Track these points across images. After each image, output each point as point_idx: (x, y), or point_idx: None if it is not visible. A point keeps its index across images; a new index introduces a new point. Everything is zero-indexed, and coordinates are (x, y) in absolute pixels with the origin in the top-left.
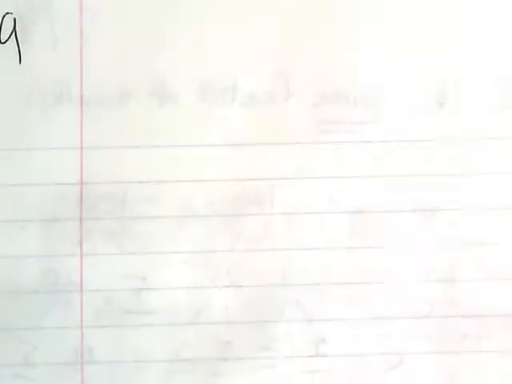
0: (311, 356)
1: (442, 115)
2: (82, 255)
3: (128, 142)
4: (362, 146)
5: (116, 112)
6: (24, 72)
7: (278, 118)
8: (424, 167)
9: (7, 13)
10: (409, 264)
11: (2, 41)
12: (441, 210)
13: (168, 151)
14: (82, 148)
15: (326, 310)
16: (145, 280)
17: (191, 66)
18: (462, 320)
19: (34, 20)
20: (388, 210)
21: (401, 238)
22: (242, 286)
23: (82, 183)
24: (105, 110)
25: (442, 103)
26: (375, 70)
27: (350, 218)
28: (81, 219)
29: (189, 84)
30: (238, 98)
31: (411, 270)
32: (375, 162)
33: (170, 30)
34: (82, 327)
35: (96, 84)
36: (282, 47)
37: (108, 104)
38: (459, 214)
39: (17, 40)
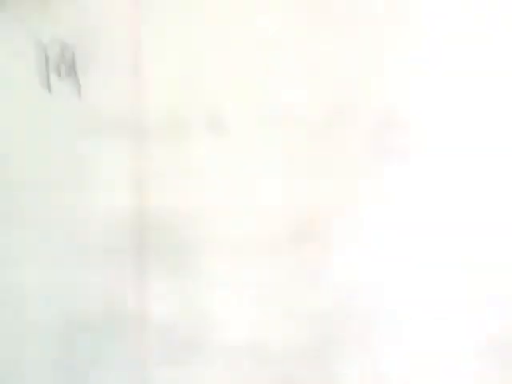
0: None
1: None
2: (142, 290)
3: (186, 172)
4: (423, 174)
5: (174, 143)
6: (84, 104)
7: (336, 148)
8: (477, 197)
9: (66, 44)
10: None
11: (61, 74)
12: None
13: (226, 182)
14: (140, 180)
15: (387, 347)
16: (206, 315)
17: (247, 99)
18: None
19: (92, 52)
20: (454, 235)
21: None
22: (303, 322)
23: (141, 215)
24: (163, 141)
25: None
26: (430, 100)
27: (415, 246)
28: (140, 252)
29: (246, 113)
30: (295, 127)
31: (476, 301)
32: (434, 191)
33: (226, 65)
34: (142, 361)
35: (153, 117)
36: (337, 77)
37: (166, 136)
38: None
39: (75, 72)
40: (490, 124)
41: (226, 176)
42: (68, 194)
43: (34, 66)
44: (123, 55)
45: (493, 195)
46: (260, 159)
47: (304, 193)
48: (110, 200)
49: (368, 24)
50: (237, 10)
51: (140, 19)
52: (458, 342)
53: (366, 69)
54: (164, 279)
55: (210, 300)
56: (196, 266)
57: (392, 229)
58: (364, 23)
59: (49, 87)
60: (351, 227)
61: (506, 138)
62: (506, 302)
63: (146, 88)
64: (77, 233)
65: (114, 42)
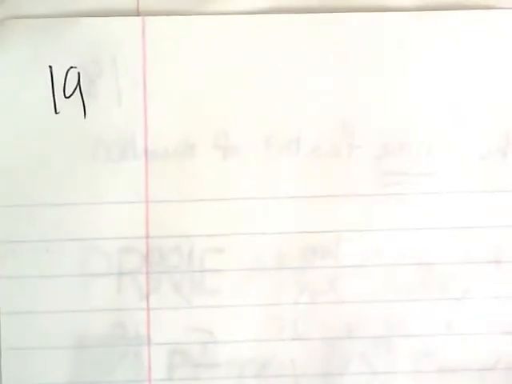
0: None
1: (506, 165)
2: (148, 309)
3: (193, 194)
4: (426, 197)
5: (181, 165)
6: (89, 126)
7: (342, 170)
8: (488, 218)
9: (71, 67)
10: (475, 316)
11: (67, 95)
12: (504, 262)
13: (233, 204)
14: (147, 201)
15: (390, 362)
16: (212, 333)
17: (255, 119)
18: None
19: (98, 74)
20: (454, 261)
21: (465, 289)
22: (307, 339)
23: (147, 237)
24: (169, 163)
25: (506, 153)
26: (437, 121)
27: (415, 270)
28: (147, 273)
29: (253, 136)
30: (303, 150)
31: (477, 321)
32: (439, 214)
33: (233, 83)
34: (149, 380)
35: (160, 137)
36: (345, 101)
37: (173, 157)
38: None
39: (81, 94)
40: (492, 142)
41: (233, 196)
42: (74, 212)
43: (41, 87)
44: (128, 79)
45: (500, 211)
46: (267, 179)
47: (312, 213)
48: (115, 220)
49: (373, 57)
50: (244, 37)
51: (145, 44)
52: (470, 360)
53: (372, 94)
54: (170, 299)
55: (216, 318)
56: (202, 285)
57: (399, 248)
58: (370, 56)
59: (55, 108)
60: (359, 247)
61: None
62: None
63: (151, 110)
64: (83, 254)
65: (119, 65)
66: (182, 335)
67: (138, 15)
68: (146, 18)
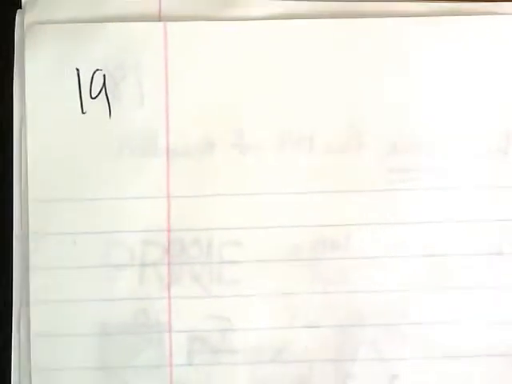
0: None
1: (506, 163)
2: (170, 298)
3: (212, 190)
4: (431, 192)
5: (200, 162)
6: (114, 125)
7: (352, 167)
8: (490, 212)
9: (97, 69)
10: (479, 305)
11: (93, 96)
12: (507, 254)
13: (250, 199)
14: (169, 197)
15: (399, 349)
16: (230, 321)
17: (270, 118)
18: None
19: (122, 76)
20: (458, 253)
21: (470, 279)
22: (319, 327)
23: (169, 230)
24: (190, 160)
25: (507, 152)
26: (441, 121)
27: (422, 262)
28: (168, 264)
29: (268, 135)
30: (315, 148)
31: (481, 310)
32: (444, 208)
33: (250, 85)
34: (171, 365)
35: (181, 136)
36: (355, 102)
37: (193, 154)
38: None
39: (106, 95)
40: (492, 142)
41: (249, 191)
42: (100, 207)
43: (68, 88)
44: (151, 81)
45: (502, 206)
46: (282, 175)
47: (323, 207)
48: (138, 214)
49: (381, 61)
50: (260, 41)
51: (167, 48)
52: (475, 347)
53: (380, 95)
54: (190, 289)
55: (234, 307)
56: (220, 276)
57: (406, 240)
58: (379, 60)
59: (81, 108)
60: (368, 239)
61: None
62: None
63: (173, 110)
64: (108, 246)
65: (142, 68)
66: (202, 323)
67: (159, 21)
68: (168, 23)
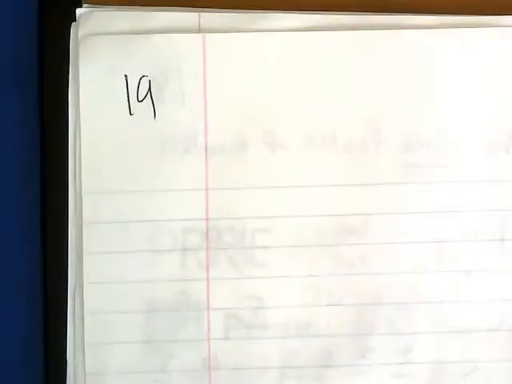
0: (400, 363)
1: (508, 159)
2: (208, 279)
3: (245, 183)
4: (441, 185)
5: (235, 158)
6: (158, 125)
7: (370, 163)
8: (493, 203)
9: (143, 76)
10: (482, 285)
11: (140, 99)
12: (508, 240)
13: (279, 191)
14: (207, 189)
15: (412, 324)
16: (261, 300)
17: (298, 120)
18: None
19: (165, 82)
20: (464, 239)
21: (474, 263)
22: (341, 305)
23: (207, 219)
24: (226, 156)
25: (509, 149)
26: (449, 122)
27: (432, 247)
28: (207, 249)
29: (296, 134)
30: (337, 146)
31: (484, 290)
32: (452, 199)
33: (280, 89)
34: (209, 339)
35: (218, 135)
36: (373, 105)
37: (228, 152)
38: None
39: (152, 98)
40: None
41: (279, 184)
42: (146, 198)
43: (118, 93)
44: (191, 85)
45: (503, 197)
46: (308, 170)
47: (345, 198)
48: (180, 204)
49: (396, 68)
50: (288, 50)
51: (205, 57)
52: (480, 323)
53: (396, 99)
54: (226, 271)
55: (265, 288)
56: (253, 260)
57: (418, 228)
58: (394, 67)
59: (129, 110)
60: (384, 227)
61: None
62: None
63: (211, 112)
64: (153, 233)
65: (183, 74)
66: (236, 301)
67: (199, 32)
68: (206, 34)
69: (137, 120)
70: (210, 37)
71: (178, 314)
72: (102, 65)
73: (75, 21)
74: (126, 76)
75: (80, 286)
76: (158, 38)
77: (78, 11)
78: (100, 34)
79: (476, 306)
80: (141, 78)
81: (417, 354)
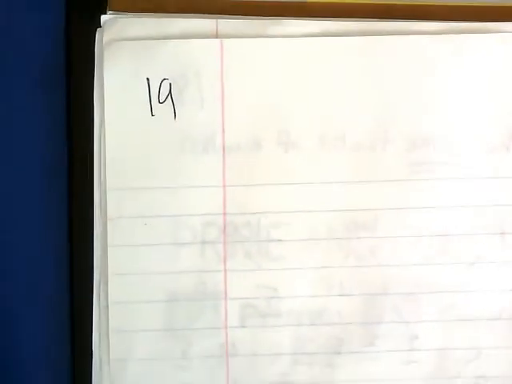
0: (407, 350)
1: (508, 157)
2: (225, 271)
3: (260, 180)
4: (445, 182)
5: (251, 157)
6: (178, 126)
7: (378, 161)
8: (494, 198)
9: (164, 79)
10: (484, 276)
11: (161, 101)
12: (508, 234)
13: (292, 188)
14: (224, 186)
15: (419, 313)
16: (276, 290)
17: (311, 120)
18: None
19: (185, 84)
20: (468, 233)
21: (476, 255)
22: (351, 295)
23: (225, 214)
24: (242, 155)
25: (509, 148)
26: (453, 123)
27: (437, 240)
28: (224, 242)
29: (309, 134)
30: (347, 145)
31: (486, 281)
32: (455, 195)
33: (293, 92)
34: (226, 327)
35: (235, 135)
36: (381, 106)
37: (244, 151)
38: None
39: (172, 100)
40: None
41: (292, 181)
42: (167, 194)
43: (140, 95)
44: (209, 88)
45: (504, 193)
46: (320, 168)
47: (354, 194)
48: (199, 200)
49: (403, 72)
50: (301, 54)
51: (223, 61)
52: (483, 311)
53: (403, 101)
54: (242, 263)
55: (280, 279)
56: (268, 252)
57: (424, 222)
58: (400, 71)
59: (151, 111)
60: (392, 221)
61: None
62: None
63: (228, 113)
64: (174, 227)
65: (202, 77)
66: (252, 292)
67: (216, 37)
68: (224, 39)
69: (158, 121)
70: (227, 42)
71: (198, 304)
72: (126, 69)
73: (100, 27)
74: (147, 79)
75: (105, 277)
76: (178, 43)
77: (103, 18)
78: (123, 39)
79: (478, 296)
80: (162, 81)
81: (423, 342)
